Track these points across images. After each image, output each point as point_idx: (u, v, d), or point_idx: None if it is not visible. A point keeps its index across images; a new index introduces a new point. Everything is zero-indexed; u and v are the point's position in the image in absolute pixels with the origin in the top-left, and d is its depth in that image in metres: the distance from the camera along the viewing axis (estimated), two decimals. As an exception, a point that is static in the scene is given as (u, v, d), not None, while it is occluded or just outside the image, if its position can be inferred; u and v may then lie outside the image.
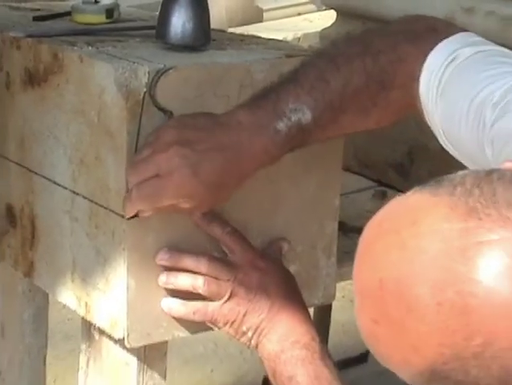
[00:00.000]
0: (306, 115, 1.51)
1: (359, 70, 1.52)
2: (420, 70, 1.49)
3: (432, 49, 1.48)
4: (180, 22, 1.66)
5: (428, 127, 1.62)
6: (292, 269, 1.75)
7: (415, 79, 1.50)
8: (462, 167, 1.87)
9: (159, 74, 1.57)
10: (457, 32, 1.51)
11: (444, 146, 1.52)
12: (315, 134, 1.55)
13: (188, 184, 1.51)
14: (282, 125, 1.50)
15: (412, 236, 1.06)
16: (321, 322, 2.67)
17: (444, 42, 1.48)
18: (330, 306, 2.75)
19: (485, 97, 1.39)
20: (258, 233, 1.72)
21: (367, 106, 1.57)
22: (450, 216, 1.04)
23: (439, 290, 1.02)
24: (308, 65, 1.55)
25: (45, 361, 2.24)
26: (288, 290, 1.67)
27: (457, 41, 1.48)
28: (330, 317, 2.83)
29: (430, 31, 1.53)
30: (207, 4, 1.71)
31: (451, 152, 1.51)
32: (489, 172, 1.08)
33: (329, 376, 1.58)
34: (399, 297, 1.06)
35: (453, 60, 1.45)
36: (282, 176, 1.73)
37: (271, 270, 1.67)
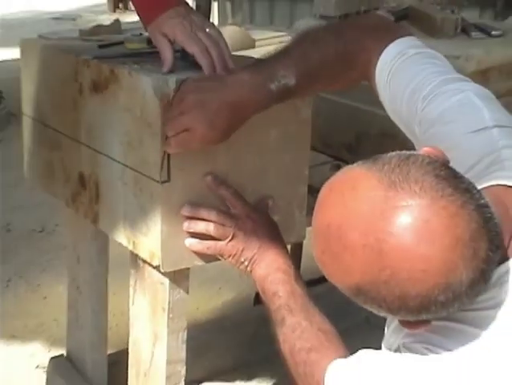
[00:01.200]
0: (291, 81, 1.48)
1: (332, 53, 1.50)
2: (376, 61, 1.48)
3: (386, 45, 1.47)
4: None
5: (370, 119, 1.61)
6: (275, 218, 1.72)
7: (371, 66, 1.48)
8: (391, 146, 1.83)
9: (183, 82, 1.54)
10: (405, 34, 1.50)
11: (392, 119, 1.51)
12: (295, 93, 1.52)
13: (207, 135, 1.48)
14: (273, 86, 1.48)
15: (351, 197, 1.11)
16: (295, 255, 2.66)
17: (396, 42, 1.47)
18: (301, 244, 2.73)
19: (419, 88, 1.39)
20: (251, 193, 1.69)
21: (334, 79, 1.56)
22: (377, 187, 1.09)
23: (364, 236, 1.07)
24: (297, 44, 1.53)
25: (106, 281, 2.25)
26: (272, 233, 1.66)
27: (404, 43, 1.47)
28: (301, 250, 2.81)
29: (386, 31, 1.52)
30: None
31: (397, 123, 1.50)
32: (408, 156, 1.12)
33: (301, 292, 1.56)
34: (338, 238, 1.10)
35: (400, 57, 1.44)
36: (268, 153, 1.71)
37: (261, 219, 1.66)
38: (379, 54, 1.47)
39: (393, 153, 1.14)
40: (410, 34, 1.51)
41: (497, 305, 1.17)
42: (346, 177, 1.15)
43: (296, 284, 1.58)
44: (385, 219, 1.06)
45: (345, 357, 1.35)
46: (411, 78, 1.42)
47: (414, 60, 1.44)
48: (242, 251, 1.62)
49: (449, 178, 1.09)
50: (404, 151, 1.14)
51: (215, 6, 7.20)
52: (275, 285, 1.57)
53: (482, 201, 1.09)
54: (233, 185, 1.65)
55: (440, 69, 1.43)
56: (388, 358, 1.24)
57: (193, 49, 1.61)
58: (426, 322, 1.15)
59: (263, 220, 1.66)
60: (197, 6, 1.58)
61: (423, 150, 1.15)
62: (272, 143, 1.71)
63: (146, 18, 1.67)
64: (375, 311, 1.15)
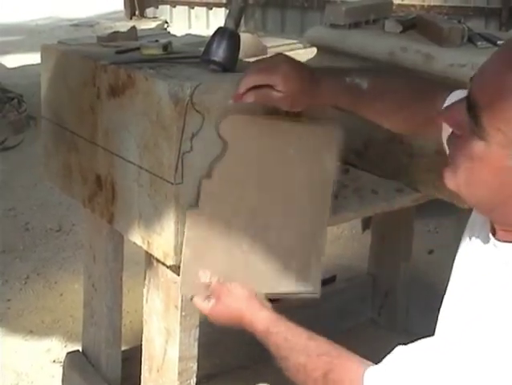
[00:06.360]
0: (363, 84, 1.56)
1: (405, 81, 1.60)
2: (443, 100, 1.47)
3: (453, 91, 1.49)
4: (219, 48, 1.65)
5: (377, 125, 1.61)
6: (292, 264, 1.72)
7: (439, 102, 1.48)
8: (397, 151, 1.81)
9: (197, 88, 1.55)
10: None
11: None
12: (363, 101, 1.58)
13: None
14: (348, 80, 1.57)
15: None
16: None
17: (458, 90, 1.48)
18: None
19: None
20: (273, 233, 1.70)
21: (398, 107, 1.57)
22: None
23: None
24: (375, 70, 1.70)
25: (121, 278, 2.24)
26: (249, 300, 1.59)
27: (463, 90, 1.45)
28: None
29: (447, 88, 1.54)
30: (239, 42, 1.69)
31: None
32: None
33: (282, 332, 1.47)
34: None
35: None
36: (292, 198, 1.70)
37: (234, 293, 1.59)
38: (447, 95, 1.48)
39: None
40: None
41: None
42: None
43: (277, 324, 1.50)
44: None
45: (362, 361, 1.30)
46: None
47: None
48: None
49: None
50: None
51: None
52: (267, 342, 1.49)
53: None
54: (258, 220, 1.65)
55: None
56: (425, 352, 1.20)
57: None
58: None
59: (236, 294, 1.59)
60: (229, 12, 1.59)
61: None
62: (299, 191, 1.70)
63: None
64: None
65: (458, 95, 1.45)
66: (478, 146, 1.13)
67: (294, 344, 1.43)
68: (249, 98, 1.55)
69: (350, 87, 1.56)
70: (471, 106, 1.14)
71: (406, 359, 1.22)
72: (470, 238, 1.32)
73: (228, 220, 1.63)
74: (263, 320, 1.51)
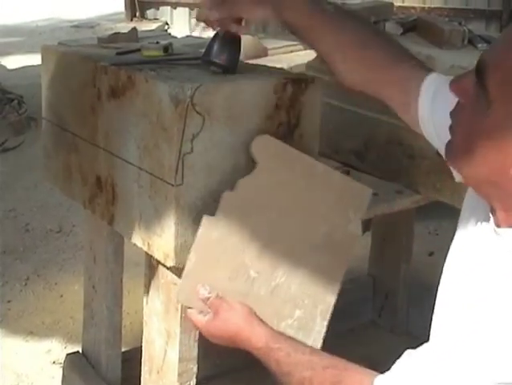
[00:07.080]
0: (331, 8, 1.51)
1: (391, 48, 1.53)
2: (423, 77, 1.43)
3: (428, 73, 1.44)
4: (220, 50, 1.64)
5: (378, 126, 1.60)
6: (297, 313, 1.65)
7: (416, 82, 1.43)
8: (397, 152, 1.81)
9: (198, 89, 1.54)
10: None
11: (426, 135, 1.45)
12: (321, 24, 1.51)
13: None
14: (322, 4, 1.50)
15: None
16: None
17: (434, 73, 1.44)
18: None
19: None
20: (281, 268, 1.62)
21: (362, 46, 1.51)
22: None
23: None
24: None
25: (121, 280, 2.24)
26: (247, 316, 1.53)
27: (437, 74, 1.43)
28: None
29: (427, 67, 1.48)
30: (240, 44, 1.68)
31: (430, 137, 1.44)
32: None
33: (284, 349, 1.44)
34: None
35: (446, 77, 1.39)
36: (310, 244, 1.64)
37: (233, 308, 1.53)
38: (425, 76, 1.43)
39: None
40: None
41: None
42: None
43: (277, 340, 1.47)
44: None
45: (371, 373, 1.28)
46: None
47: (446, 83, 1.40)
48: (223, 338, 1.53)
49: None
50: None
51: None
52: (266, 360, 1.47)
53: None
54: (270, 252, 1.60)
55: None
56: (434, 356, 1.18)
57: None
58: None
59: (237, 309, 1.54)
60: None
61: None
62: (317, 239, 1.64)
63: None
64: None
65: (434, 78, 1.42)
66: (482, 113, 1.11)
67: (298, 359, 1.40)
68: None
69: (322, 9, 1.49)
70: (479, 69, 1.12)
71: (416, 365, 1.20)
72: (467, 225, 1.29)
73: (241, 240, 1.59)
74: (262, 336, 1.48)
